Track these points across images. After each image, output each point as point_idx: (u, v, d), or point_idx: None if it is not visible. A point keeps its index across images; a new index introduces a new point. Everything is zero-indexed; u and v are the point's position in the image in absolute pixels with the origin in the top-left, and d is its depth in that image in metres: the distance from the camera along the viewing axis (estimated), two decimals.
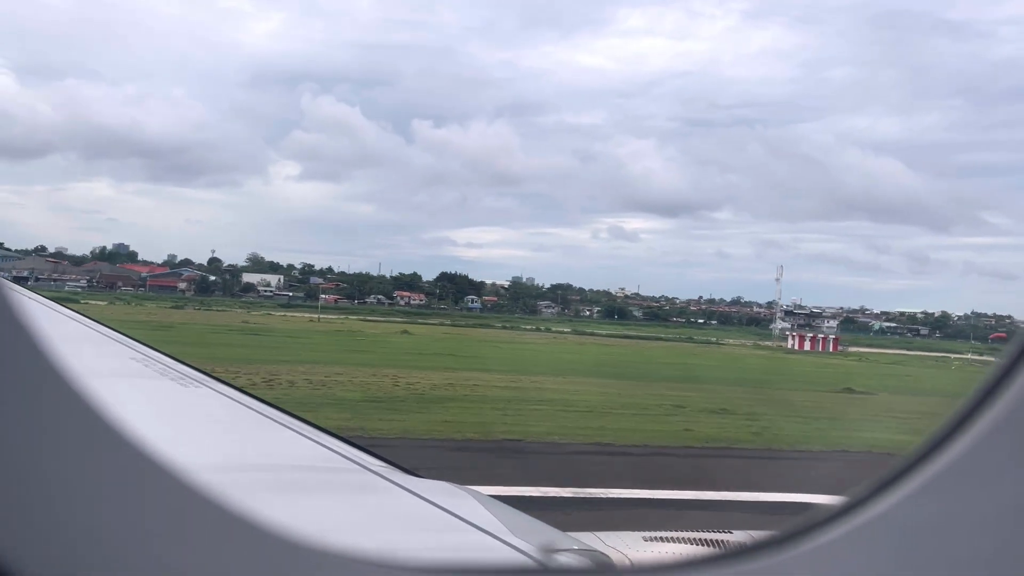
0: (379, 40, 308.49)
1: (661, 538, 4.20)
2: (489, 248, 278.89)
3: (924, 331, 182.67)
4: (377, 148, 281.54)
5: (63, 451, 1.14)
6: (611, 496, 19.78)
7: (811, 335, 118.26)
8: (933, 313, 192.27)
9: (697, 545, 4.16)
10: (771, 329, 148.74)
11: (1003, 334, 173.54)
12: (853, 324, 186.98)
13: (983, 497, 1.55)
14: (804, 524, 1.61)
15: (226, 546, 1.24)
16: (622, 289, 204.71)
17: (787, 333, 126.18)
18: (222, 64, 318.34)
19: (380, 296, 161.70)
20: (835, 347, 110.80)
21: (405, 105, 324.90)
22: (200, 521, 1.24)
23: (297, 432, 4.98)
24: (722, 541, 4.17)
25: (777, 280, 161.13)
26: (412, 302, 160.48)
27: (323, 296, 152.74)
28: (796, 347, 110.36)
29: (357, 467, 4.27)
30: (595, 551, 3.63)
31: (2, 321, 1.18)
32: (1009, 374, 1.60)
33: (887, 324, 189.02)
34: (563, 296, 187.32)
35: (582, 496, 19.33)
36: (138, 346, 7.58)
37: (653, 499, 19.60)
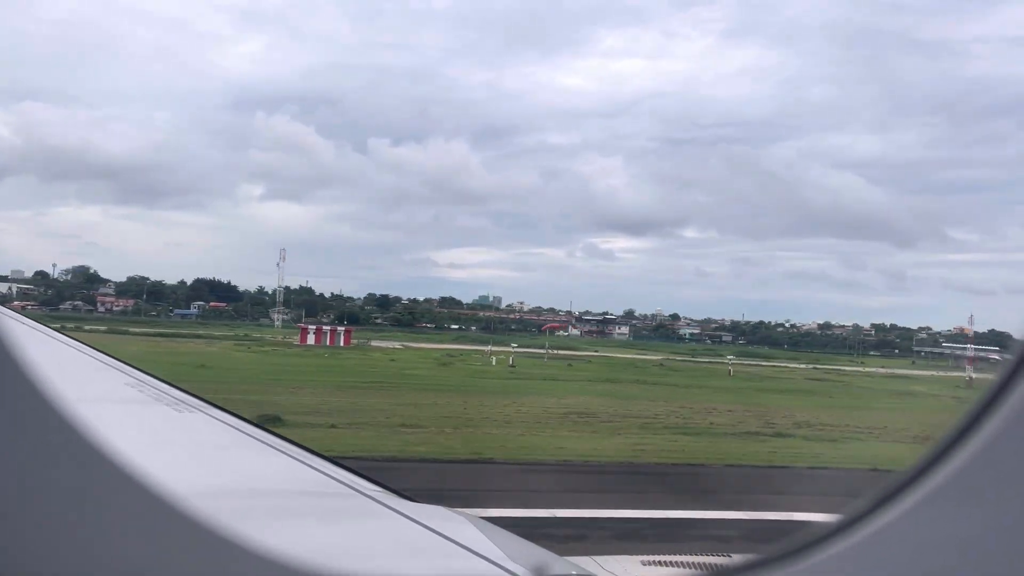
0: (361, 63, 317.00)
1: (659, 562, 4.68)
2: (475, 268, 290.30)
3: (728, 337, 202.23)
4: (350, 169, 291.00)
5: (47, 471, 1.21)
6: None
7: (316, 327, 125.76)
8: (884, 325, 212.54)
9: (695, 569, 4.67)
10: (273, 321, 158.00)
11: (556, 324, 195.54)
12: (665, 329, 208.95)
13: (983, 512, 1.64)
14: (802, 541, 1.70)
15: (209, 566, 1.33)
16: (521, 303, 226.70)
17: (297, 326, 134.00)
18: (201, 87, 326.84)
19: (78, 302, 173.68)
20: (347, 341, 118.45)
21: (382, 126, 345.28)
22: (185, 542, 1.32)
23: (291, 457, 5.24)
24: (720, 565, 4.71)
25: (278, 265, 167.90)
26: (113, 308, 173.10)
27: (15, 302, 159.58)
28: (300, 341, 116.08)
29: (352, 491, 4.53)
30: (592, 575, 4.07)
31: None
32: (1007, 387, 1.69)
33: (693, 331, 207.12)
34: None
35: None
36: (133, 371, 7.84)
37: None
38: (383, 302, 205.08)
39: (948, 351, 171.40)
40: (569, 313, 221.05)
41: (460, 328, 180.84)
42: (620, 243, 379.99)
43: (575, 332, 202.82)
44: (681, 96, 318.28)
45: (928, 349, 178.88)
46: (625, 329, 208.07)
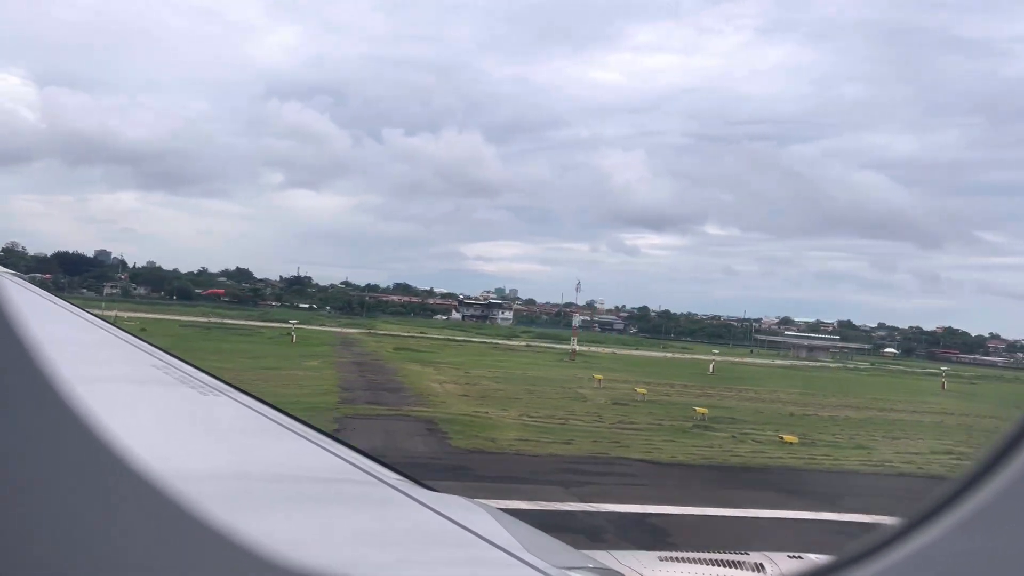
0: (392, 55, 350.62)
1: (676, 558, 4.83)
2: (504, 263, 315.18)
3: (619, 325, 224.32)
4: (369, 158, 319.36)
5: (37, 456, 1.20)
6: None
7: None
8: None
9: (712, 565, 4.84)
10: None
11: (220, 291, 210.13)
12: (562, 316, 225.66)
13: None
14: (858, 551, 1.72)
15: (194, 559, 1.32)
16: (490, 292, 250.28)
17: None
18: (229, 76, 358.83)
19: None
20: None
21: (405, 118, 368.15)
22: (171, 531, 1.31)
23: (314, 443, 5.33)
24: (738, 562, 4.88)
25: None
26: None
27: None
28: None
29: (373, 479, 4.61)
30: (610, 570, 4.20)
31: None
32: None
33: (583, 318, 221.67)
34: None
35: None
36: (160, 354, 8.07)
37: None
38: (296, 283, 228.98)
39: (782, 340, 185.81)
40: (452, 297, 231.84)
41: (310, 307, 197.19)
42: (647, 239, 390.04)
43: (457, 316, 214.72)
44: (713, 93, 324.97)
45: (767, 338, 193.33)
46: (509, 314, 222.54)
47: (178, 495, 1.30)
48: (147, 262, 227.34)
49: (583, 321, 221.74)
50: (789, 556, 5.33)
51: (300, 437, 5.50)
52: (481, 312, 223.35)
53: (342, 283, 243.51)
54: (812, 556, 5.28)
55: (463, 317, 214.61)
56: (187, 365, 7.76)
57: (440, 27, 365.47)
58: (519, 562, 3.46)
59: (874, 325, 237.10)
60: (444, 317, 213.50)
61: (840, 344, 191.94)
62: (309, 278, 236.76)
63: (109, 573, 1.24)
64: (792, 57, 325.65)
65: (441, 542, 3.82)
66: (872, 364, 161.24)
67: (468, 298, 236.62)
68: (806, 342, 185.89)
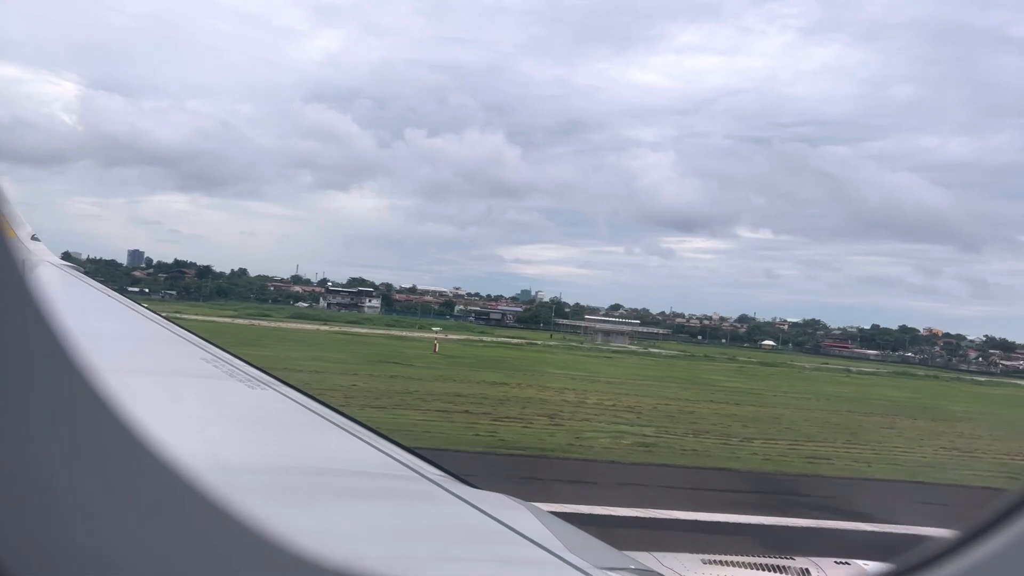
0: (432, 58, 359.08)
1: (720, 561, 4.79)
2: (546, 265, 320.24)
3: (497, 316, 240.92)
4: (407, 161, 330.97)
5: (67, 448, 1.21)
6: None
7: None
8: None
9: (757, 570, 4.80)
10: None
11: None
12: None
13: None
14: (918, 559, 1.70)
15: (220, 549, 1.33)
16: (456, 289, 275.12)
17: None
18: (277, 80, 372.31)
19: None
20: None
21: (445, 122, 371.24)
22: (198, 522, 1.32)
23: (359, 438, 5.43)
24: (783, 567, 4.84)
25: None
26: None
27: None
28: None
29: (415, 475, 4.75)
30: (652, 571, 4.16)
31: (24, 316, 1.27)
32: None
33: (461, 308, 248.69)
34: None
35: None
36: (211, 348, 8.53)
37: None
38: (205, 274, 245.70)
39: (582, 324, 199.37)
40: (320, 284, 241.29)
41: (140, 291, 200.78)
42: (687, 243, 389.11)
43: (323, 304, 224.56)
44: (757, 94, 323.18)
45: (568, 322, 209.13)
46: (376, 302, 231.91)
47: (218, 488, 1.33)
48: (172, 260, 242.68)
49: (461, 310, 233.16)
50: (836, 562, 5.39)
51: (344, 431, 5.59)
52: (350, 299, 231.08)
53: (295, 274, 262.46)
54: (860, 562, 5.34)
55: (328, 305, 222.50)
56: (236, 359, 8.07)
57: (481, 30, 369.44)
58: (560, 561, 3.49)
59: (867, 327, 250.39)
60: (307, 304, 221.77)
61: (640, 329, 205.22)
62: (244, 270, 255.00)
63: (148, 566, 1.26)
64: (839, 58, 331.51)
65: (482, 539, 3.84)
66: (595, 346, 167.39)
67: (335, 286, 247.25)
68: (600, 326, 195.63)
